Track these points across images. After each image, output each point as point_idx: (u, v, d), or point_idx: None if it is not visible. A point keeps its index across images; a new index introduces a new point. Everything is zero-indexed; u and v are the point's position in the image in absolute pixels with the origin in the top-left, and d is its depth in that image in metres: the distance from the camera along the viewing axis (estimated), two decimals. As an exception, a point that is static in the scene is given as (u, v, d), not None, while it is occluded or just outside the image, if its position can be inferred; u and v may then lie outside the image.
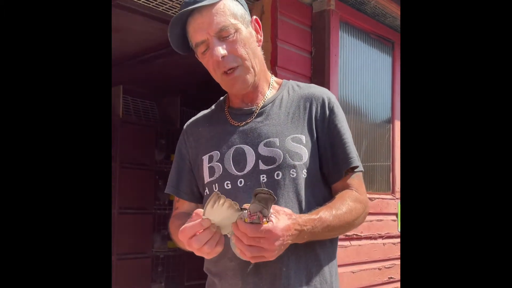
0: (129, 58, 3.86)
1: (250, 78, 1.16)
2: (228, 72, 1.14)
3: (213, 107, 1.32)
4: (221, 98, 1.32)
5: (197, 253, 1.00)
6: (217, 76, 1.17)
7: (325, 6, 2.68)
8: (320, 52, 2.67)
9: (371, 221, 2.89)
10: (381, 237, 2.97)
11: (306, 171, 1.13)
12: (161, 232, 4.64)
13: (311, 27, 2.73)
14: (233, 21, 1.12)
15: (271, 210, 0.95)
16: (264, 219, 0.93)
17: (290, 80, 1.28)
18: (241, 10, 1.16)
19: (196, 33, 1.13)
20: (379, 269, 2.96)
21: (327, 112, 1.17)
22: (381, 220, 2.97)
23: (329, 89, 2.64)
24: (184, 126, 1.31)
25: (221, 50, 1.11)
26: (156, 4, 2.75)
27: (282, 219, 0.96)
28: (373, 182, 3.01)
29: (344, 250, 2.69)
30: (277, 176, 1.11)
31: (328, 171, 1.17)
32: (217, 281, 1.16)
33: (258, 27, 1.21)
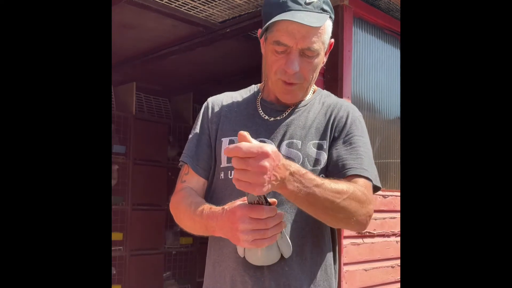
0: (142, 55, 3.86)
1: (301, 95, 1.21)
2: (287, 82, 1.15)
3: (241, 91, 1.31)
4: (253, 85, 1.32)
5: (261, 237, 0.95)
6: (273, 77, 1.17)
7: (338, 1, 2.65)
8: (334, 47, 2.63)
9: (384, 218, 2.86)
10: (394, 234, 2.94)
11: (323, 176, 1.12)
12: (173, 229, 4.66)
13: (324, 23, 2.70)
14: (321, 45, 1.14)
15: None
16: (265, 202, 0.95)
17: (324, 90, 1.31)
18: (330, 32, 1.18)
19: (286, 35, 1.10)
20: (392, 267, 2.93)
21: (349, 122, 1.18)
22: (394, 218, 2.94)
23: (342, 85, 2.63)
24: (208, 100, 1.29)
25: (297, 67, 1.12)
26: (168, 1, 2.75)
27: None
28: (386, 179, 2.98)
29: (357, 247, 2.67)
30: None
31: (328, 173, 1.13)
32: (219, 270, 1.16)
33: (329, 50, 1.23)
